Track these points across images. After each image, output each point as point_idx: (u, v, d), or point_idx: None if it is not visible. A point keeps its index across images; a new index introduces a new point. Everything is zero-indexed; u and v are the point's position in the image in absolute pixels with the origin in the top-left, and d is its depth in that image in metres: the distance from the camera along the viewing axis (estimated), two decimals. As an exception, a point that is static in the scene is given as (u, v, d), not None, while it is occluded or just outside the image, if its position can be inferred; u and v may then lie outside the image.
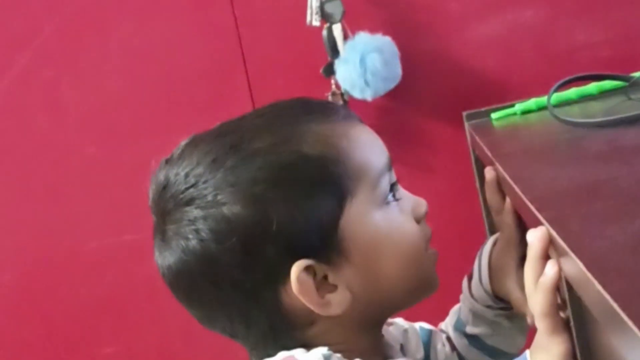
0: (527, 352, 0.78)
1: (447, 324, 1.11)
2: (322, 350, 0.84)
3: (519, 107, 1.30)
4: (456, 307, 1.10)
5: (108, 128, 1.67)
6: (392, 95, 1.55)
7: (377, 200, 0.91)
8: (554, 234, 0.70)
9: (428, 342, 1.09)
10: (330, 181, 0.87)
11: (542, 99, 1.26)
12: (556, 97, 1.25)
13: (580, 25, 1.56)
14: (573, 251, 0.63)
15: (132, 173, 1.65)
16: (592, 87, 1.27)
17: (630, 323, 0.49)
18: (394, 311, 0.97)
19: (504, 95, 1.54)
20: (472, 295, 1.07)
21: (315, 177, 0.87)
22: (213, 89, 1.63)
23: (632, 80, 1.21)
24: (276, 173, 0.87)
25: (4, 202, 1.70)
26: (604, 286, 0.55)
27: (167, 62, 1.65)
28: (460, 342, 1.09)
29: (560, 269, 0.72)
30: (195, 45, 1.63)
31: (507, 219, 0.98)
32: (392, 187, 0.93)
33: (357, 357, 0.88)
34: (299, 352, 0.85)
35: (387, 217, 0.91)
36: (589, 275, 0.58)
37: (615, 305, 0.52)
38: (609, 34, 1.55)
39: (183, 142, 0.94)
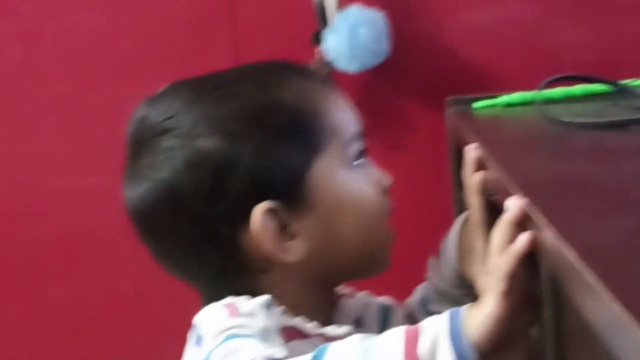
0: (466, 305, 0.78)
1: (411, 301, 1.11)
2: (264, 298, 0.88)
3: (503, 98, 1.30)
4: (421, 285, 1.11)
5: (84, 67, 1.64)
6: (377, 71, 1.54)
7: (346, 160, 0.96)
8: (546, 221, 0.69)
9: (385, 318, 1.09)
10: (303, 132, 0.93)
11: (528, 94, 1.26)
12: (541, 94, 1.25)
13: (571, 26, 1.56)
14: (568, 240, 0.63)
15: (102, 116, 1.63)
16: (578, 88, 1.28)
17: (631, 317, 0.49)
18: (343, 278, 1.01)
19: (488, 86, 1.54)
20: (438, 275, 1.07)
21: (288, 126, 0.93)
22: (196, 42, 1.61)
23: (620, 87, 1.22)
24: (252, 114, 0.93)
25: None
26: (599, 277, 0.55)
27: (152, 7, 1.62)
28: (422, 319, 1.09)
29: (534, 243, 0.73)
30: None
31: (478, 200, 0.98)
32: (361, 154, 0.98)
33: (302, 314, 0.92)
34: (243, 299, 0.88)
35: (353, 178, 0.96)
36: (583, 265, 0.58)
37: (611, 297, 0.52)
38: (599, 38, 1.55)
39: (166, 85, 0.98)
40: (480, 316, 0.76)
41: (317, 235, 0.94)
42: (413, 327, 0.77)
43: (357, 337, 0.78)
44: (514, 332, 0.77)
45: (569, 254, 0.61)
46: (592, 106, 1.22)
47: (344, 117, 0.98)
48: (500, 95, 1.31)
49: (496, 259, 0.78)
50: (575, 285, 0.60)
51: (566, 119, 1.10)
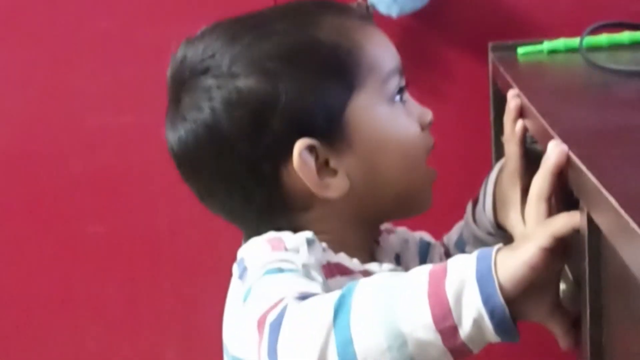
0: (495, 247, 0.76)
1: (449, 239, 1.11)
2: (308, 234, 0.88)
3: (547, 45, 1.28)
4: (460, 223, 1.10)
5: (127, 3, 1.63)
6: (418, 15, 1.52)
7: (385, 96, 0.95)
8: (585, 170, 0.68)
9: (425, 255, 1.10)
10: (341, 69, 0.93)
11: (573, 40, 1.24)
12: (586, 40, 1.23)
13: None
14: (606, 189, 0.62)
15: (142, 54, 1.62)
16: (624, 36, 1.25)
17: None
18: (384, 215, 1.01)
19: (532, 32, 1.51)
20: (474, 221, 1.07)
21: (327, 62, 0.93)
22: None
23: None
24: (290, 52, 0.92)
25: (7, 64, 1.67)
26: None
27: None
28: None
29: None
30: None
31: (517, 149, 0.97)
32: (401, 90, 0.97)
33: (343, 251, 0.92)
34: (286, 234, 0.89)
35: (393, 114, 0.96)
36: (624, 213, 0.57)
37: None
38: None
39: (205, 26, 0.98)
40: (516, 261, 0.74)
41: (358, 171, 0.94)
42: (440, 265, 0.76)
43: (385, 274, 0.78)
44: (544, 283, 0.75)
45: (610, 201, 0.60)
46: (638, 54, 1.19)
47: (382, 53, 0.97)
48: (545, 40, 1.28)
49: (535, 207, 0.77)
50: (616, 232, 0.58)
51: (612, 66, 1.08)
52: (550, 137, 0.81)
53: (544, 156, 0.78)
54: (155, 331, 1.72)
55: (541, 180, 0.77)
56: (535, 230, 0.76)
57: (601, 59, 1.14)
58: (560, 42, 1.27)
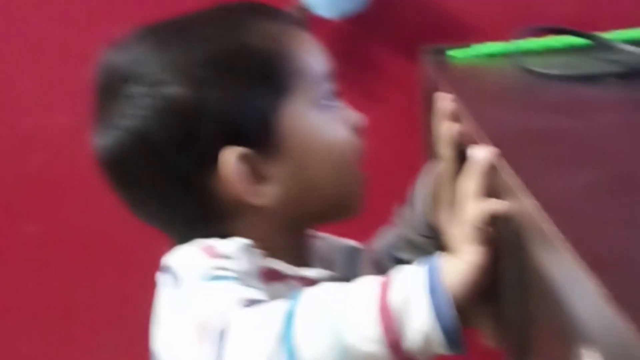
0: (438, 255, 0.77)
1: (377, 246, 1.12)
2: (243, 240, 0.88)
3: (479, 48, 1.30)
4: (388, 229, 1.11)
5: (63, 4, 1.62)
6: (355, 19, 1.52)
7: (316, 101, 0.95)
8: (509, 169, 0.69)
9: (354, 260, 1.10)
10: (271, 75, 0.93)
11: (505, 45, 1.26)
12: (518, 44, 1.24)
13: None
14: (528, 188, 0.63)
15: (76, 56, 1.61)
16: (556, 40, 1.27)
17: (582, 264, 0.49)
18: (316, 220, 1.01)
19: (465, 35, 1.52)
20: (405, 223, 1.07)
21: (256, 69, 0.92)
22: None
23: (599, 40, 1.21)
24: (219, 58, 0.92)
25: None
26: (557, 226, 0.55)
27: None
28: (388, 265, 1.10)
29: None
30: None
31: (447, 150, 0.98)
32: (331, 95, 0.98)
33: (276, 257, 0.92)
34: (220, 241, 0.88)
35: (323, 119, 0.96)
36: (542, 213, 0.58)
37: (566, 247, 0.52)
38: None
39: (130, 31, 0.97)
40: (462, 266, 0.75)
41: (289, 178, 0.94)
42: (385, 277, 0.77)
43: (330, 286, 0.78)
44: (486, 287, 0.77)
45: (530, 203, 0.61)
46: (570, 59, 1.21)
47: (312, 58, 0.97)
48: (477, 45, 1.30)
49: (467, 207, 0.78)
50: (534, 234, 0.60)
51: (542, 70, 1.10)
52: (478, 139, 0.82)
53: (473, 157, 0.79)
54: (90, 332, 1.71)
55: (469, 182, 0.79)
56: (463, 228, 0.77)
57: (534, 62, 1.16)
58: (491, 46, 1.28)
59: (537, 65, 1.13)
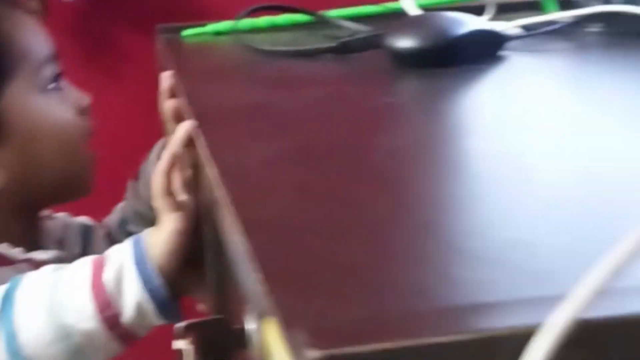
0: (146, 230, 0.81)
1: (111, 219, 1.14)
2: None
3: (211, 27, 1.33)
4: (120, 205, 1.13)
5: None
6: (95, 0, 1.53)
7: (39, 84, 0.96)
8: (203, 141, 0.73)
9: (87, 238, 1.12)
10: None
11: (234, 23, 1.29)
12: (248, 23, 1.28)
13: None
14: (214, 159, 0.67)
15: None
16: (282, 18, 1.32)
17: (239, 227, 0.53)
18: (46, 203, 1.03)
19: (202, 14, 1.55)
20: (136, 196, 1.10)
21: None
22: None
23: (320, 17, 1.27)
24: None
25: None
26: (229, 193, 0.59)
27: None
28: (121, 239, 1.12)
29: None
30: None
31: (172, 127, 1.01)
32: (56, 78, 0.99)
33: (5, 241, 0.92)
34: None
35: (47, 102, 0.97)
36: (220, 184, 0.62)
37: (231, 211, 0.56)
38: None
39: None
40: (162, 235, 0.79)
41: (15, 163, 0.95)
42: (100, 256, 0.79)
43: (49, 269, 0.80)
44: (195, 253, 0.80)
45: (213, 172, 0.65)
46: (294, 36, 1.26)
47: (33, 41, 0.98)
48: (211, 24, 1.33)
49: (154, 180, 0.82)
50: (216, 201, 0.64)
51: (264, 47, 1.14)
52: (189, 115, 0.86)
53: (175, 132, 0.83)
54: None
55: (166, 155, 0.82)
56: (157, 200, 0.81)
57: (258, 40, 1.20)
58: (223, 25, 1.32)
59: (264, 42, 1.17)
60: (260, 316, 0.47)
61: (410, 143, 0.71)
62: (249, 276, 0.48)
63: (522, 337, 0.36)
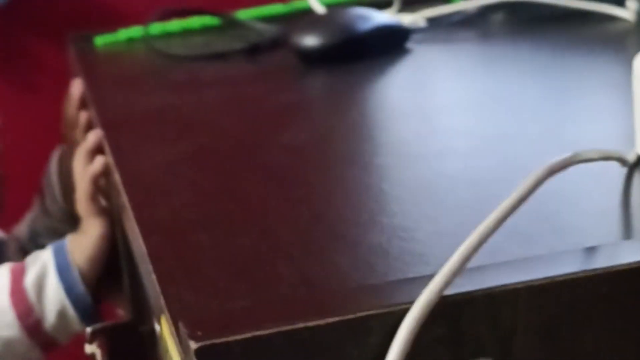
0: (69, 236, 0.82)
1: (21, 232, 1.13)
2: None
3: (123, 33, 1.33)
4: (29, 216, 1.13)
5: None
6: (6, 9, 1.52)
7: None
8: (108, 148, 0.74)
9: (1, 252, 1.11)
10: None
11: (145, 28, 1.30)
12: (160, 27, 1.29)
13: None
14: (117, 165, 0.68)
15: None
16: (193, 21, 1.33)
17: (138, 230, 0.55)
18: None
19: (114, 21, 1.55)
20: (46, 212, 1.10)
21: None
22: None
23: (230, 19, 1.28)
24: None
25: None
26: (129, 198, 0.61)
27: None
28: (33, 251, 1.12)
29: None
30: None
31: (82, 135, 1.02)
32: None
33: None
34: None
35: None
36: (123, 189, 0.64)
37: (132, 215, 0.58)
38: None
39: None
40: (87, 240, 0.80)
41: None
42: (19, 262, 0.80)
43: None
44: (111, 260, 0.82)
45: (117, 178, 0.66)
46: (207, 39, 1.27)
47: None
48: (123, 30, 1.33)
49: (78, 185, 0.83)
50: (122, 207, 0.65)
51: (173, 52, 1.15)
52: (97, 123, 0.87)
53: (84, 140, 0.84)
54: None
55: (79, 162, 0.83)
56: (80, 205, 0.82)
57: (170, 44, 1.21)
58: (134, 30, 1.32)
59: (175, 47, 1.18)
60: (159, 315, 0.48)
61: (311, 139, 0.73)
62: (148, 277, 0.49)
63: (395, 316, 0.38)
